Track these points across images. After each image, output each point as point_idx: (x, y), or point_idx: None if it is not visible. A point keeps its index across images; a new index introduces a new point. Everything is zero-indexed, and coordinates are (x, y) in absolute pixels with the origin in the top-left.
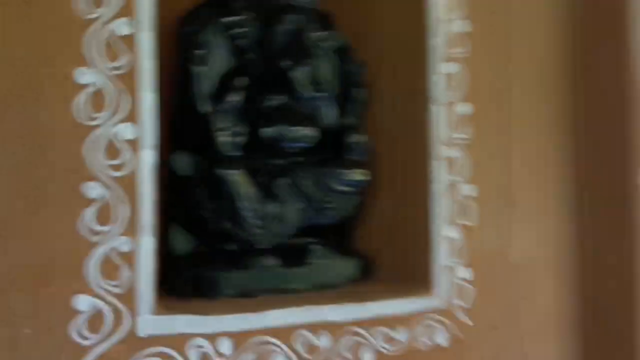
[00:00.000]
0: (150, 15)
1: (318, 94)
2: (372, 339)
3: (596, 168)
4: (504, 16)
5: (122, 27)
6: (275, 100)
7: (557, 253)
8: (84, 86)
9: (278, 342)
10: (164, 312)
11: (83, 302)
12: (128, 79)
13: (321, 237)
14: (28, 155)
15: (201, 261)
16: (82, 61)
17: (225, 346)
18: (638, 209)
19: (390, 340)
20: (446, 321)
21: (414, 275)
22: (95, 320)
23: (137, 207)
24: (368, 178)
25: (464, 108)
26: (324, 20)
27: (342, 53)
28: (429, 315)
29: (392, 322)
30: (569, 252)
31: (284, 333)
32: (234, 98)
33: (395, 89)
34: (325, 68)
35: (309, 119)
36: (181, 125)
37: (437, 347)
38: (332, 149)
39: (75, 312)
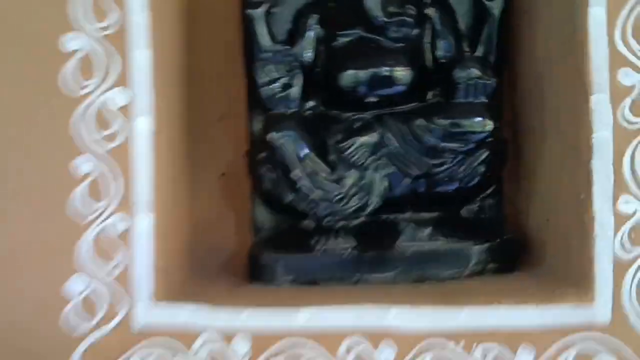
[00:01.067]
0: None
1: (391, 20)
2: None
3: None
4: None
5: None
6: (351, 35)
7: None
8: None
9: (318, 348)
10: (167, 299)
11: (74, 287)
12: (118, 39)
13: (433, 209)
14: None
15: (267, 240)
16: (68, 26)
17: (241, 347)
18: None
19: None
20: (616, 343)
21: (566, 271)
22: (88, 308)
23: (132, 181)
24: (488, 128)
25: None
26: None
27: None
28: (586, 333)
29: (513, 338)
30: None
31: (327, 340)
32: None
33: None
34: None
35: (398, 57)
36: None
37: None
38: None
39: (66, 299)
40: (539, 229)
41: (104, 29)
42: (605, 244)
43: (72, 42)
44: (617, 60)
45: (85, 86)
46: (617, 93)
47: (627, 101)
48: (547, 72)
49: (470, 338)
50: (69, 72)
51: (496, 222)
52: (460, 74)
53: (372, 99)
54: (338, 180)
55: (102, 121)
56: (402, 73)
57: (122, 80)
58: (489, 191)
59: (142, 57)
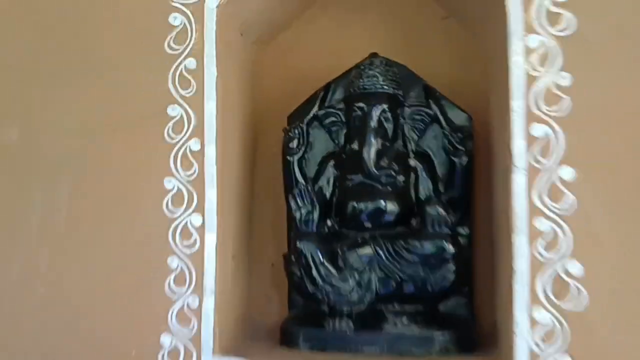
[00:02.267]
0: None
1: (381, 171)
2: None
3: None
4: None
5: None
6: (355, 179)
7: None
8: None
9: None
10: (221, 354)
11: (165, 341)
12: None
13: (411, 305)
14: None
15: (295, 317)
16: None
17: None
18: None
19: None
20: None
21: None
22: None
23: (204, 276)
24: (445, 247)
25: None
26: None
27: (443, 124)
28: None
29: None
30: None
31: None
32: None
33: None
34: (419, 141)
35: (387, 195)
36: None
37: None
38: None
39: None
40: (494, 323)
41: (189, 175)
42: (522, 343)
43: (169, 183)
44: (533, 211)
45: (176, 211)
46: (533, 234)
47: (540, 240)
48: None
49: None
50: (167, 200)
51: (465, 315)
52: (430, 211)
53: (369, 224)
54: (343, 280)
55: (186, 233)
56: (389, 207)
57: (200, 208)
58: (463, 290)
59: (212, 194)
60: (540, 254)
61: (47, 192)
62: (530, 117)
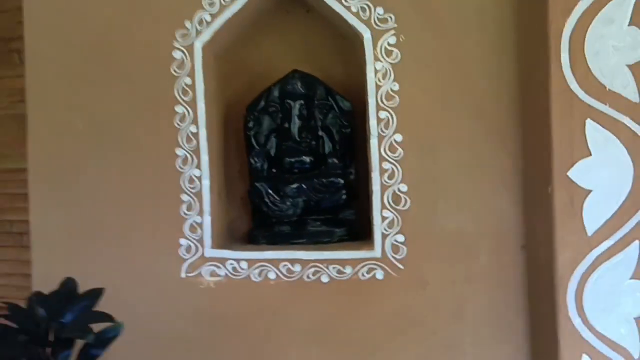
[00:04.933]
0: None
1: (301, 139)
2: (327, 270)
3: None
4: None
5: (193, 129)
6: (287, 144)
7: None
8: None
9: (271, 266)
10: (217, 248)
11: (183, 243)
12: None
13: (322, 215)
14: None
15: (256, 226)
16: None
17: (243, 265)
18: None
19: (341, 272)
20: (383, 266)
21: (368, 239)
22: (188, 250)
23: (203, 204)
24: (338, 181)
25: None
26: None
27: (336, 110)
28: (370, 261)
29: (343, 262)
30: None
31: (274, 262)
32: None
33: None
34: (324, 120)
35: (306, 152)
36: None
37: (372, 279)
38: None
39: (180, 246)
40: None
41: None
42: (377, 230)
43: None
44: (382, 158)
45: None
46: (382, 171)
47: (385, 174)
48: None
49: (326, 262)
50: (178, 163)
51: (353, 218)
52: (329, 161)
53: (296, 170)
54: (282, 203)
55: (191, 180)
56: (307, 159)
57: (198, 166)
58: (352, 205)
59: (205, 158)
60: (385, 181)
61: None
62: (378, 107)
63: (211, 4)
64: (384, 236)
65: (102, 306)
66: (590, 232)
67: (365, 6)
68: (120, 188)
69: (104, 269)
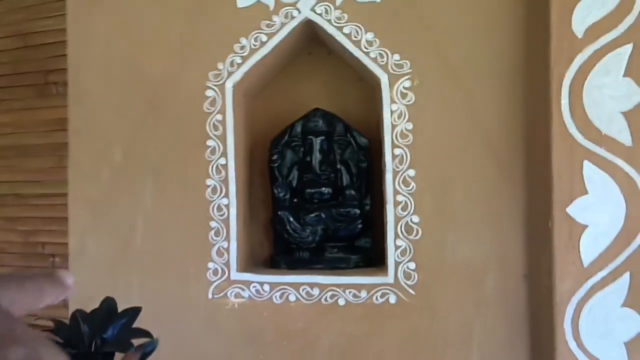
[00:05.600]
0: (232, 154)
1: (322, 172)
2: (344, 294)
3: (520, 200)
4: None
5: (222, 161)
6: (308, 176)
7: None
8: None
9: (291, 289)
10: (241, 271)
11: (211, 267)
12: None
13: (340, 243)
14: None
15: (278, 251)
16: (209, 176)
17: (266, 288)
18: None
19: (356, 296)
20: (395, 291)
21: (382, 266)
22: (216, 273)
23: (230, 231)
24: (355, 211)
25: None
26: (346, 129)
27: (354, 146)
28: (384, 286)
29: (358, 287)
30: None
31: (295, 286)
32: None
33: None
34: (342, 155)
35: (325, 184)
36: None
37: (385, 304)
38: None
39: (208, 269)
40: (383, 250)
41: (221, 179)
42: (391, 257)
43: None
44: (396, 191)
45: (216, 196)
46: (396, 203)
47: (399, 206)
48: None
49: (343, 286)
50: (209, 192)
51: (368, 246)
52: (347, 193)
53: (316, 200)
54: (303, 231)
55: (219, 208)
56: (326, 191)
57: (227, 195)
58: (367, 234)
59: (233, 188)
60: (399, 213)
61: (142, 192)
62: (393, 145)
63: (242, 48)
64: (397, 263)
65: (137, 325)
66: (586, 264)
67: (383, 52)
68: (154, 215)
69: (138, 291)
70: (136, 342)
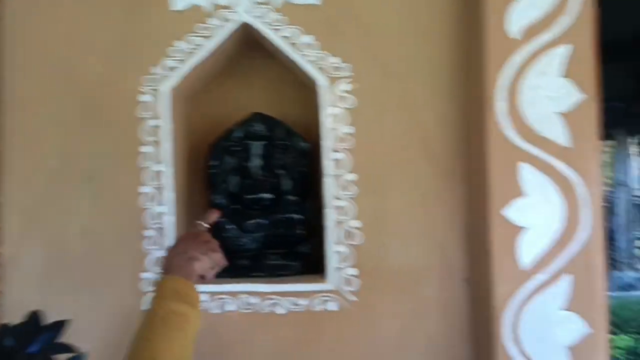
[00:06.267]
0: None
1: (261, 177)
2: (283, 302)
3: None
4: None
5: (157, 167)
6: (247, 181)
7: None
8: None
9: (230, 298)
10: None
11: (145, 277)
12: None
13: (281, 249)
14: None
15: None
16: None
17: (204, 297)
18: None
19: (296, 304)
20: (336, 298)
21: (323, 272)
22: (150, 283)
23: (166, 240)
24: (296, 217)
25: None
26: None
27: (295, 150)
28: (324, 293)
29: (298, 294)
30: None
31: (234, 295)
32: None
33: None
34: (283, 159)
35: (265, 190)
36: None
37: (326, 311)
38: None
39: (141, 279)
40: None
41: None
42: (332, 263)
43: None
44: (336, 195)
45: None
46: (336, 208)
47: (339, 211)
48: None
49: (283, 294)
50: (145, 198)
51: (309, 253)
52: (287, 198)
53: (256, 206)
54: (243, 237)
55: (157, 217)
56: (266, 196)
57: (163, 202)
58: (309, 240)
59: (169, 195)
60: (339, 218)
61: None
62: (333, 149)
63: (177, 51)
64: (337, 270)
65: (70, 337)
66: (524, 267)
67: (321, 56)
68: (89, 223)
69: (72, 301)
70: (63, 357)
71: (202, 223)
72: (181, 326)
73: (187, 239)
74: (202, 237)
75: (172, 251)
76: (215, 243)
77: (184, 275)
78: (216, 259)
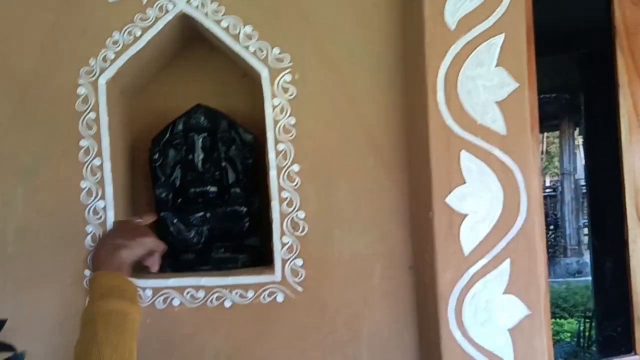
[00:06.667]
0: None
1: (205, 170)
2: (230, 295)
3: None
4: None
5: (97, 162)
6: (191, 175)
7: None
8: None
9: (175, 293)
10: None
11: (88, 274)
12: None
13: (227, 242)
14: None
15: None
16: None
17: (148, 293)
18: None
19: (243, 297)
20: (283, 289)
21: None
22: None
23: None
24: (242, 209)
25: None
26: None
27: (239, 142)
28: (272, 284)
29: (245, 287)
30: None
31: (179, 289)
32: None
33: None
34: (227, 152)
35: (210, 183)
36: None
37: (274, 303)
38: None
39: (84, 277)
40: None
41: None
42: (278, 255)
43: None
44: (280, 188)
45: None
46: (281, 199)
47: (284, 202)
48: None
49: (229, 287)
50: (85, 191)
51: (257, 245)
52: (233, 191)
53: (201, 199)
54: (188, 231)
55: (96, 211)
56: (211, 189)
57: (103, 198)
58: (256, 233)
59: (110, 191)
60: (284, 210)
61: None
62: (276, 140)
63: (115, 43)
64: (284, 261)
65: (9, 337)
66: (466, 253)
67: (262, 47)
68: (26, 221)
69: (11, 302)
70: (1, 356)
71: (135, 218)
72: (123, 325)
73: (113, 230)
74: (129, 225)
75: (98, 244)
76: (145, 228)
77: (114, 268)
78: (148, 243)
